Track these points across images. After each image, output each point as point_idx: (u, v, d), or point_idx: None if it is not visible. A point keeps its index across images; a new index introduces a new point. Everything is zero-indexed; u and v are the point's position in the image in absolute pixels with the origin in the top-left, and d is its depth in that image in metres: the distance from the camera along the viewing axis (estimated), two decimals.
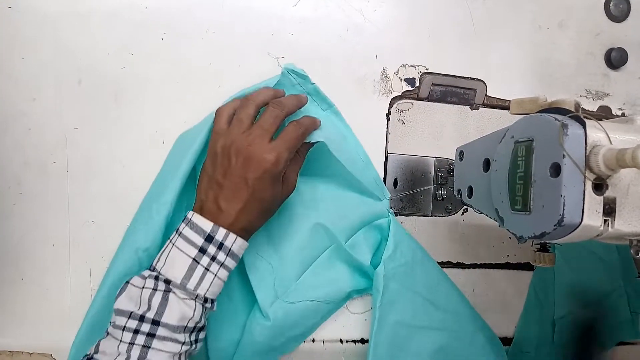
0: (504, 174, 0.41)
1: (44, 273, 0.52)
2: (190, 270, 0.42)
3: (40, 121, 0.51)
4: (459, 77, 0.61)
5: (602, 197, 0.34)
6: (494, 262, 0.63)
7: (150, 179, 0.53)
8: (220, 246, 0.43)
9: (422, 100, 0.60)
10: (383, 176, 0.59)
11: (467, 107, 0.62)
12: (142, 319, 0.41)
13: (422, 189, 0.60)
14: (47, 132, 0.51)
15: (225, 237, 0.44)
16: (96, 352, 0.41)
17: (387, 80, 0.59)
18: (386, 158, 0.59)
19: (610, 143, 0.34)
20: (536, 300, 0.65)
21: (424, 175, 0.60)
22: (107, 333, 0.42)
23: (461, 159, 0.51)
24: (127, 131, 0.53)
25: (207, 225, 0.43)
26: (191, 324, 0.42)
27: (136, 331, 0.41)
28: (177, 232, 0.44)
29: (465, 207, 0.62)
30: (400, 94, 0.60)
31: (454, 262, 0.61)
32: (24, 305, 0.52)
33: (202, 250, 0.43)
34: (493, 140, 0.44)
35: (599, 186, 0.34)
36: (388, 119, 0.59)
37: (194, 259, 0.43)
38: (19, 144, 0.51)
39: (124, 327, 0.41)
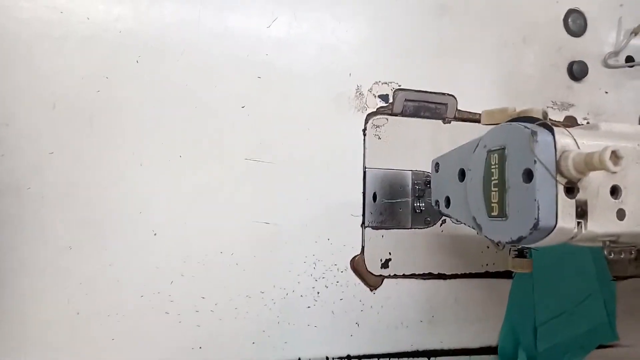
0: (479, 182, 0.42)
1: (21, 302, 0.50)
2: None
3: (14, 146, 0.50)
4: (430, 92, 0.63)
5: (574, 200, 0.35)
6: (473, 272, 0.64)
7: (128, 202, 0.53)
8: None
9: (396, 116, 0.62)
10: (362, 191, 0.60)
11: (440, 121, 0.64)
12: None
13: (400, 201, 0.61)
14: (21, 157, 0.51)
15: None
16: None
17: (362, 97, 0.61)
18: (364, 173, 0.60)
19: (578, 148, 0.36)
20: (517, 308, 0.66)
21: (401, 189, 0.61)
22: None
23: (437, 171, 0.52)
24: (103, 154, 0.53)
25: None
26: None
27: None
28: None
29: (443, 218, 0.63)
30: (375, 110, 0.61)
31: (435, 273, 0.62)
32: (1, 335, 0.50)
33: None
34: (467, 151, 0.45)
35: (571, 190, 0.35)
36: (364, 135, 0.61)
37: None
38: None
39: None
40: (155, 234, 0.53)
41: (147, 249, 0.53)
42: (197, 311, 0.54)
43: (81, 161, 0.52)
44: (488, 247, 0.64)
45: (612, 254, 0.40)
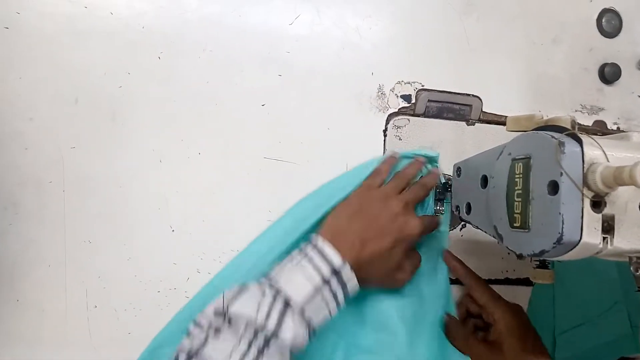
0: (502, 191, 0.41)
1: (39, 293, 0.51)
2: (311, 298, 0.42)
3: (36, 140, 0.51)
4: (454, 93, 0.61)
5: (600, 215, 0.34)
6: (493, 278, 0.63)
7: (147, 198, 0.53)
8: (342, 285, 0.44)
9: (419, 117, 0.61)
10: None
11: (463, 123, 0.62)
12: (258, 331, 0.39)
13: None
14: (43, 151, 0.51)
15: (350, 277, 0.44)
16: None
17: (384, 96, 0.60)
18: None
19: (608, 160, 0.34)
20: (536, 316, 0.64)
21: None
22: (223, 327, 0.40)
23: (459, 175, 0.51)
24: (124, 150, 0.53)
25: (336, 258, 0.44)
26: (294, 350, 0.41)
27: (250, 344, 0.39)
28: (302, 252, 0.45)
29: (463, 222, 0.61)
30: (396, 110, 0.60)
31: (453, 278, 0.61)
32: (20, 326, 0.51)
33: (326, 282, 0.43)
34: (490, 157, 0.44)
35: (597, 204, 0.34)
36: (385, 135, 0.60)
37: (315, 288, 0.42)
38: (15, 163, 0.51)
39: (241, 335, 0.39)
40: (173, 230, 0.54)
41: (165, 245, 0.54)
42: None
43: (102, 156, 0.53)
44: (509, 254, 0.63)
45: (639, 270, 0.38)
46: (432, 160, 0.57)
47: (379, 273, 0.49)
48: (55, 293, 0.52)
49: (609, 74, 0.65)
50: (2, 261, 0.51)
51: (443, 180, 0.57)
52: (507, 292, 0.63)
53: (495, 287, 0.62)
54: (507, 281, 0.63)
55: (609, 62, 0.66)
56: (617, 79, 0.66)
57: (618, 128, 0.66)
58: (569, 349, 0.64)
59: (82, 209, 0.52)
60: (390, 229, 0.48)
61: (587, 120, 0.66)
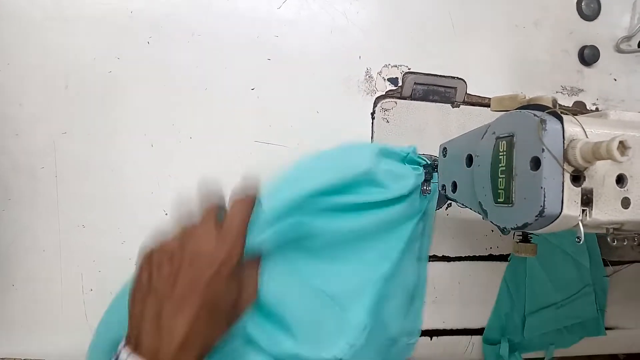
0: (487, 168, 0.43)
1: (34, 279, 0.52)
2: None
3: (27, 126, 0.51)
4: (440, 76, 0.63)
5: (580, 188, 0.36)
6: (477, 255, 0.65)
7: (140, 182, 0.54)
8: None
9: (405, 99, 0.62)
10: None
11: (449, 105, 0.64)
12: None
13: None
14: (35, 137, 0.52)
15: None
16: None
17: (371, 80, 0.61)
18: None
19: (587, 137, 0.36)
20: (508, 294, 0.66)
21: None
22: None
23: (445, 156, 0.53)
24: (115, 135, 0.54)
25: None
26: None
27: None
28: None
29: (449, 202, 0.63)
30: (384, 93, 0.61)
31: (439, 255, 0.63)
32: (16, 311, 0.52)
33: None
34: (475, 137, 0.46)
35: (577, 178, 0.36)
36: (373, 118, 0.61)
37: None
38: (7, 149, 0.51)
39: None
40: (166, 214, 0.54)
41: (159, 228, 0.54)
42: None
43: (93, 141, 0.53)
44: (492, 231, 0.65)
45: (616, 241, 0.41)
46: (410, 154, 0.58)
47: (217, 327, 0.39)
48: (50, 278, 0.52)
49: (588, 56, 0.67)
50: None
51: (429, 162, 0.59)
52: (490, 268, 0.65)
53: (479, 263, 0.65)
54: (490, 257, 0.65)
55: (588, 44, 0.68)
56: (596, 61, 0.68)
57: (597, 108, 0.69)
58: (536, 329, 0.66)
59: (75, 194, 0.53)
60: (193, 284, 0.38)
61: (567, 101, 0.68)
